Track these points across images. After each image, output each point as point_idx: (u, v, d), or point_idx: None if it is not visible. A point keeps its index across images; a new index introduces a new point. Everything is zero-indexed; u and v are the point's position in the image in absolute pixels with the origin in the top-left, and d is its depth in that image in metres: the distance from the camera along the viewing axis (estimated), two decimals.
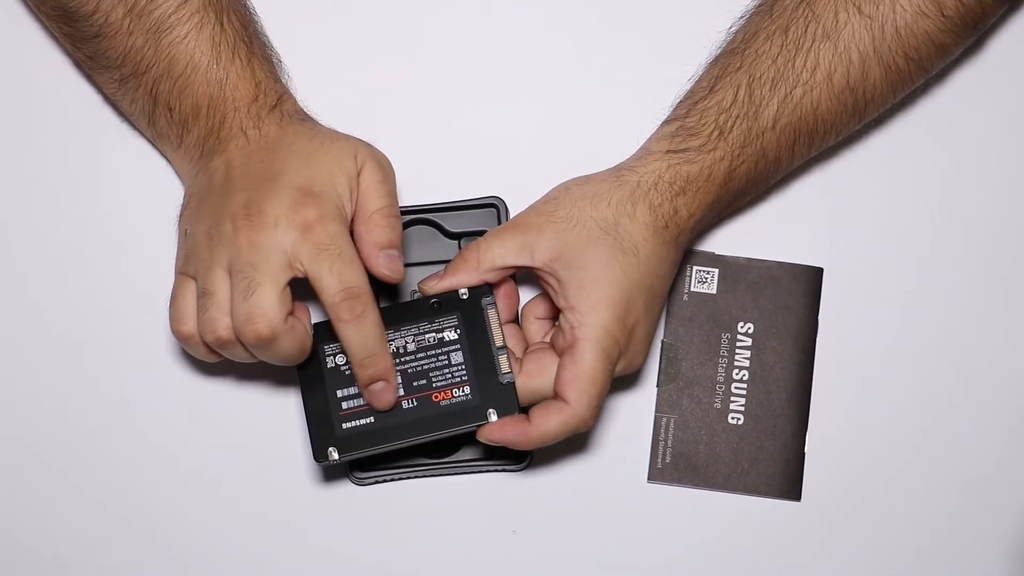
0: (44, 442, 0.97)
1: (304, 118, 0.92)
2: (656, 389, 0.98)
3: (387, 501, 0.97)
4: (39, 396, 0.98)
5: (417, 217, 0.98)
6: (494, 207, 0.98)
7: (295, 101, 0.93)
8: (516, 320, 0.94)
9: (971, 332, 0.98)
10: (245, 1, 0.95)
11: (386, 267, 0.88)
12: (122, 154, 0.99)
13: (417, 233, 0.98)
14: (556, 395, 0.89)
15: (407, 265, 0.97)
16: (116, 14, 0.91)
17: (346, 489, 0.97)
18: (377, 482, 0.97)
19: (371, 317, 0.87)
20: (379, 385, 0.89)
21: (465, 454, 0.97)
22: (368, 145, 0.90)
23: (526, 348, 0.93)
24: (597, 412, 0.89)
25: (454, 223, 0.98)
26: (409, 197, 0.98)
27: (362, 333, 0.87)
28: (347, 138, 0.90)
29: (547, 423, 0.88)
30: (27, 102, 1.00)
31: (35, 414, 0.98)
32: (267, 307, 0.85)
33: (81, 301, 0.98)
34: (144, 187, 0.98)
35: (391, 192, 0.90)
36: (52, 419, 0.98)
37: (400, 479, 0.97)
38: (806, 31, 0.91)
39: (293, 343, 0.87)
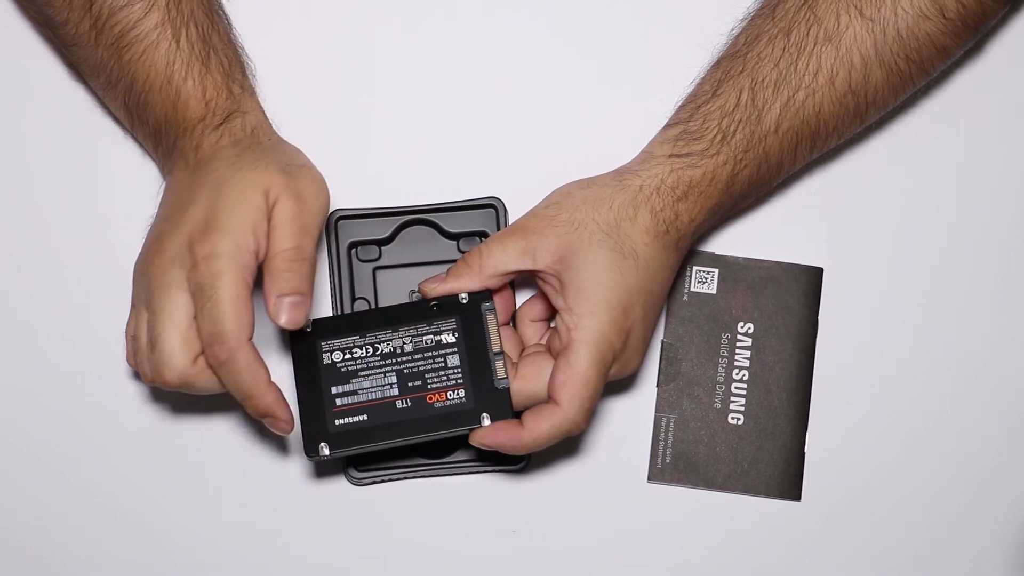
0: (39, 440, 0.97)
1: (239, 139, 0.90)
2: (656, 389, 0.98)
3: (384, 501, 0.97)
4: (36, 395, 0.97)
5: (416, 217, 0.98)
6: (493, 208, 0.97)
7: (248, 116, 0.91)
8: (511, 322, 0.94)
9: (971, 332, 0.98)
10: (213, 6, 0.93)
11: (282, 316, 0.84)
12: (120, 153, 0.98)
13: (415, 233, 0.98)
14: (549, 397, 0.89)
15: (405, 265, 0.98)
16: (84, 26, 0.91)
17: (343, 490, 0.97)
18: (374, 482, 0.97)
19: (239, 362, 0.83)
20: (267, 420, 0.87)
21: (462, 455, 0.97)
22: (288, 175, 0.87)
23: (521, 351, 0.93)
24: (589, 415, 0.88)
25: (453, 223, 0.98)
26: (408, 197, 0.98)
27: (231, 378, 0.84)
28: (266, 167, 0.87)
29: (539, 426, 0.88)
30: (27, 102, 0.99)
31: (32, 413, 0.97)
32: (168, 356, 0.84)
33: (77, 300, 0.98)
34: (142, 186, 0.98)
35: (303, 229, 0.85)
36: (48, 417, 0.97)
37: (397, 479, 0.97)
38: (808, 34, 0.90)
39: (210, 381, 0.85)
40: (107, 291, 0.97)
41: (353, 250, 0.98)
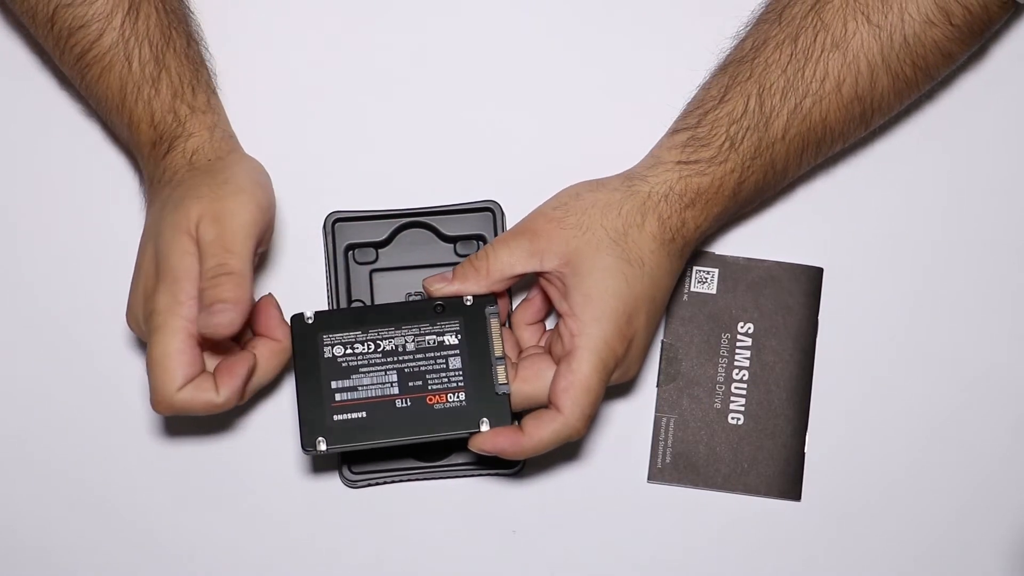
0: (36, 438, 0.97)
1: (175, 172, 0.90)
2: (656, 389, 0.98)
3: (379, 504, 0.97)
4: (34, 395, 0.97)
5: (413, 220, 0.97)
6: (490, 211, 0.97)
7: (191, 140, 0.91)
8: (506, 323, 0.94)
9: (971, 332, 0.99)
10: (173, 21, 0.92)
11: (203, 325, 0.85)
12: (120, 154, 0.98)
13: (412, 236, 0.98)
14: (550, 402, 0.88)
15: (402, 268, 0.97)
16: (49, 44, 0.91)
17: (338, 492, 0.97)
18: (369, 484, 0.96)
19: (181, 409, 0.87)
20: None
21: (458, 458, 0.97)
22: (208, 199, 0.87)
23: (519, 352, 0.92)
24: (589, 422, 0.88)
25: (450, 226, 0.97)
26: (405, 200, 0.97)
27: (191, 415, 0.88)
28: (181, 205, 0.87)
29: (539, 432, 0.88)
30: (25, 104, 0.98)
31: (30, 413, 0.97)
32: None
33: (80, 305, 0.98)
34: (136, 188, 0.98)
35: (224, 249, 0.86)
36: (46, 415, 0.97)
37: (392, 482, 0.96)
38: (815, 40, 0.90)
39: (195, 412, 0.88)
40: (110, 295, 0.96)
41: (350, 252, 0.97)
